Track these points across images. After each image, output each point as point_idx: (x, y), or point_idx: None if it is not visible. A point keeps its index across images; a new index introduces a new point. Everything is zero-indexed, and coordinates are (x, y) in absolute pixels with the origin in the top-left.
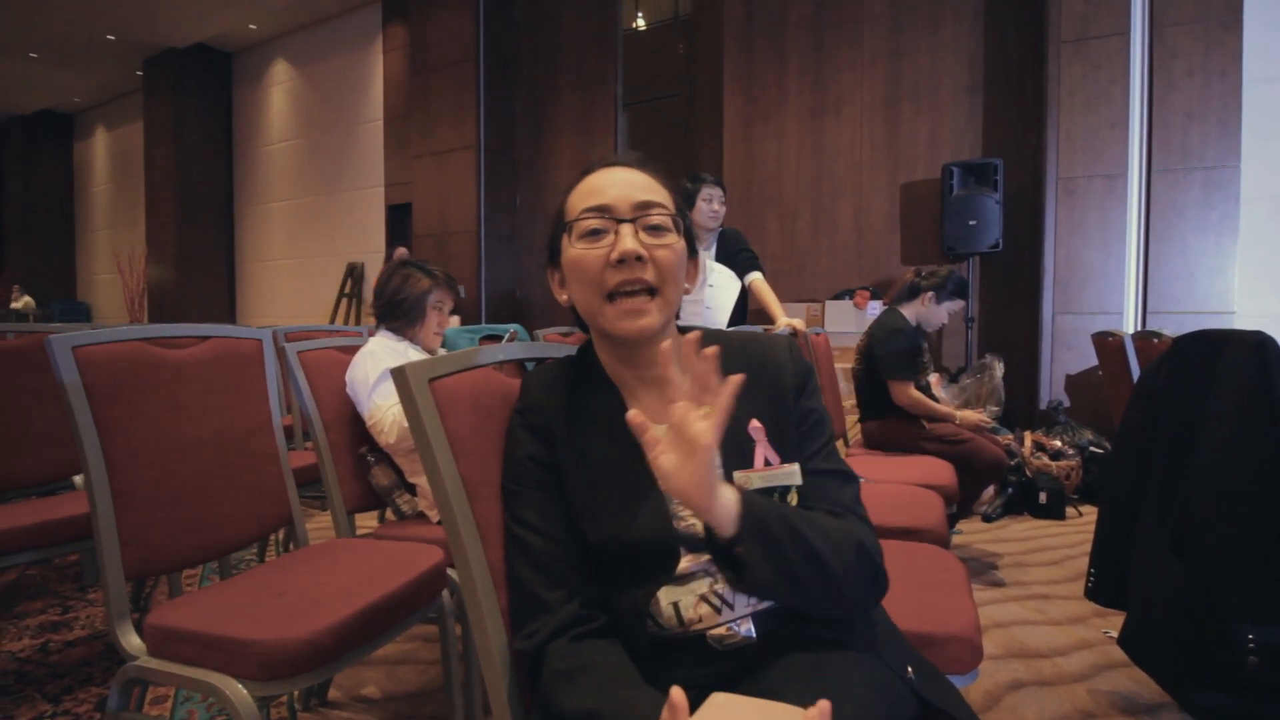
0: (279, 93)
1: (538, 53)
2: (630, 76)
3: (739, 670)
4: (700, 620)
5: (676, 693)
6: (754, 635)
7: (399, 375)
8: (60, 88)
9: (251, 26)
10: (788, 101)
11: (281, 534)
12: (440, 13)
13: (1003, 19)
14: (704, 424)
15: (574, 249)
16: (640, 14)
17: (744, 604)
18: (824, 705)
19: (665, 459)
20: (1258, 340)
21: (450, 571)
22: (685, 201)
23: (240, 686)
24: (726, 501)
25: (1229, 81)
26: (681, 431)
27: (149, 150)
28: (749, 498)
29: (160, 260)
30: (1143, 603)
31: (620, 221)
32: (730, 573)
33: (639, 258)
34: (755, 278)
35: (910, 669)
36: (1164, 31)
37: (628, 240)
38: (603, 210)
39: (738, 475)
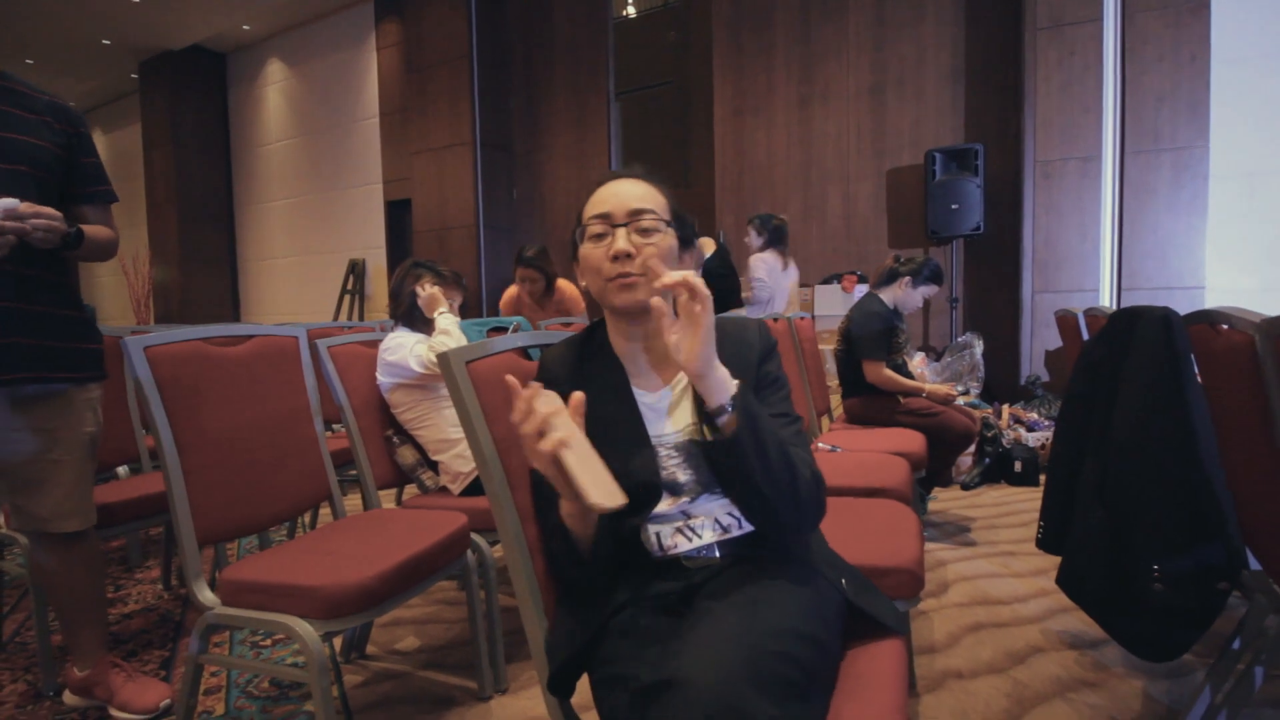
0: (274, 92)
1: (530, 46)
2: (622, 65)
3: (704, 581)
4: (675, 547)
5: (578, 395)
6: (717, 555)
7: (443, 360)
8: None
9: (245, 27)
10: (776, 90)
11: (307, 517)
12: (433, 9)
13: (982, 7)
14: (699, 307)
15: (585, 248)
16: (630, 2)
17: (710, 534)
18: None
19: (674, 337)
20: (1163, 314)
21: (474, 535)
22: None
23: (306, 624)
24: (723, 376)
25: (1198, 65)
26: (688, 312)
27: (148, 152)
28: (744, 387)
29: (164, 261)
30: (1075, 545)
31: (616, 226)
32: (715, 434)
33: (629, 255)
34: None
35: (845, 581)
36: (1135, 17)
37: (620, 241)
38: (604, 218)
39: None
